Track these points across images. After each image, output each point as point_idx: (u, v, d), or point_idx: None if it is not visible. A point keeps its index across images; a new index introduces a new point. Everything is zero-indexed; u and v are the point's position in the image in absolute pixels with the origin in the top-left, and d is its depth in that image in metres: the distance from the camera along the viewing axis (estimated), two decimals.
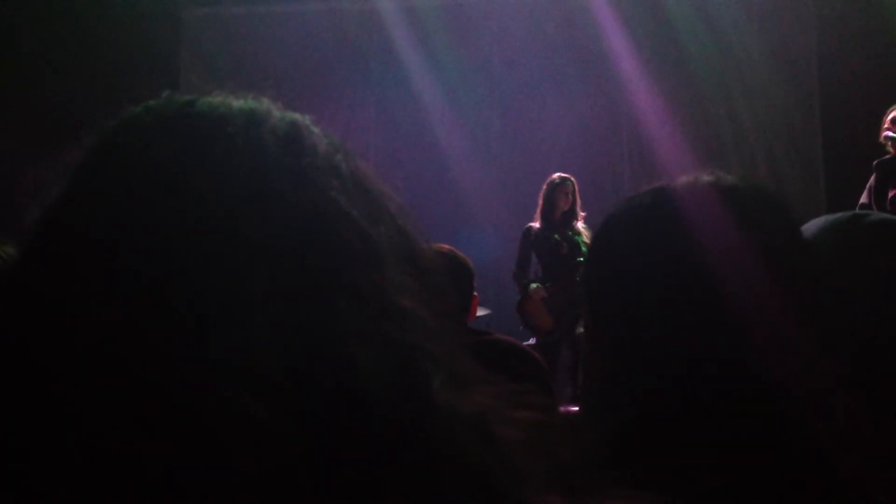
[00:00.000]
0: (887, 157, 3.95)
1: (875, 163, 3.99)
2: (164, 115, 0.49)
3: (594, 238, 0.83)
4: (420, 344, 0.44)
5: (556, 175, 5.05)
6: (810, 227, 0.95)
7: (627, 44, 6.36)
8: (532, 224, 5.05)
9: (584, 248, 4.84)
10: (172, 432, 0.39)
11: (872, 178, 3.98)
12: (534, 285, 4.91)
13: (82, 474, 0.38)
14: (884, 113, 3.97)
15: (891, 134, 3.88)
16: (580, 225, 4.96)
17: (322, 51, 6.61)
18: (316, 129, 0.50)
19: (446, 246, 2.34)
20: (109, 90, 5.89)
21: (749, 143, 6.30)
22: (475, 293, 2.40)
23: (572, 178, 5.02)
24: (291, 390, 0.40)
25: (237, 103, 0.50)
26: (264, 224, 0.44)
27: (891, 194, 3.86)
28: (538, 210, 5.03)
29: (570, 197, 4.95)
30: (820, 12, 6.32)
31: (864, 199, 3.99)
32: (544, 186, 5.04)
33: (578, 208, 4.99)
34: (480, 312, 4.56)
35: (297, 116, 0.51)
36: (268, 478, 0.38)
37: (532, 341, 4.73)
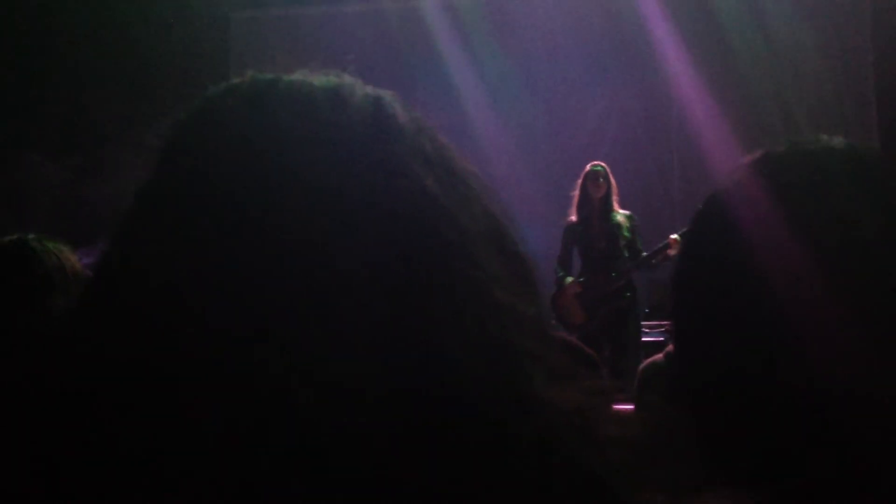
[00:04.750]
0: None
1: None
2: (250, 97, 0.47)
3: (687, 236, 0.81)
4: (519, 341, 0.42)
5: (589, 165, 4.99)
6: None
7: (673, 36, 6.26)
8: (571, 218, 5.00)
9: (622, 241, 4.79)
10: (275, 443, 0.38)
11: None
12: (568, 279, 4.87)
13: (183, 491, 0.37)
14: None
15: None
16: (620, 213, 4.89)
17: (364, 50, 6.66)
18: (399, 106, 0.48)
19: None
20: (161, 90, 6.03)
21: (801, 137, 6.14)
22: None
23: (604, 165, 4.94)
24: (391, 394, 0.39)
25: (322, 81, 0.47)
26: (359, 220, 0.42)
27: None
28: (574, 202, 4.98)
29: (603, 184, 4.87)
30: (875, 3, 6.13)
31: None
32: (580, 178, 4.99)
33: (615, 195, 4.91)
34: None
35: (380, 93, 0.48)
36: (372, 483, 0.38)
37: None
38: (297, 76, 0.48)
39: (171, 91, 6.07)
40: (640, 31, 6.31)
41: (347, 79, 0.48)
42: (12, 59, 6.26)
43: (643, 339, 5.01)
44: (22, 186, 5.98)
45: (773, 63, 6.23)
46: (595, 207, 4.88)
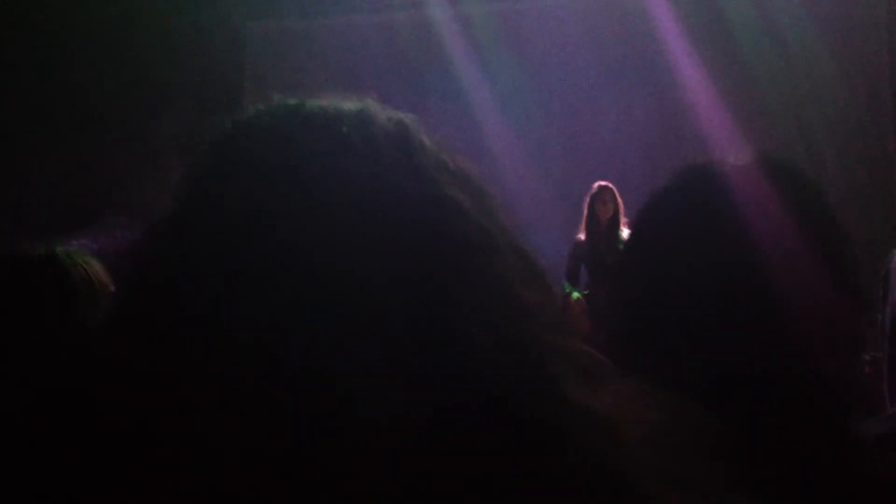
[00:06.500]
0: None
1: None
2: (278, 116, 0.49)
3: (636, 221, 0.83)
4: (549, 341, 0.44)
5: (596, 184, 5.14)
6: None
7: (686, 46, 6.24)
8: (579, 236, 5.13)
9: None
10: (314, 424, 0.39)
11: None
12: (575, 295, 4.94)
13: (227, 470, 0.38)
14: None
15: None
16: (626, 232, 4.96)
17: (377, 61, 6.69)
18: (420, 128, 0.51)
19: None
20: (179, 101, 6.08)
21: (818, 146, 6.10)
22: None
23: (611, 186, 5.08)
24: (422, 391, 0.40)
25: (346, 104, 0.50)
26: (388, 220, 0.44)
27: None
28: (583, 221, 5.12)
29: (611, 205, 5.01)
30: (890, 8, 6.09)
31: None
32: (587, 197, 5.13)
33: (622, 215, 5.01)
34: None
35: (402, 115, 0.51)
36: (402, 469, 0.39)
37: None
38: (324, 100, 0.51)
39: (189, 102, 6.13)
40: (653, 41, 6.30)
41: (371, 103, 0.51)
42: (25, 63, 6.33)
43: None
44: (27, 186, 6.05)
45: (788, 71, 6.20)
46: (602, 226, 5.01)
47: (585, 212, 5.12)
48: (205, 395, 0.40)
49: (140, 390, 0.41)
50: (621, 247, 4.93)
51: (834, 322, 0.68)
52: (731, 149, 0.86)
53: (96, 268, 1.62)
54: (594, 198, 5.09)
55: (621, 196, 5.12)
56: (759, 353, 0.66)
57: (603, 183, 5.13)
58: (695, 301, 0.70)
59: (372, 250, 0.43)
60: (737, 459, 0.55)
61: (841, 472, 0.63)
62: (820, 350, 0.67)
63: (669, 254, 0.74)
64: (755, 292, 0.68)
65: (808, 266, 0.69)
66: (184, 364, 0.41)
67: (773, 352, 0.66)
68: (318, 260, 0.42)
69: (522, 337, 0.43)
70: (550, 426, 0.41)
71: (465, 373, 0.41)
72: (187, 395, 0.40)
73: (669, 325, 0.71)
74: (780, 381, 0.66)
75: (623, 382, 0.46)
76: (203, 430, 0.39)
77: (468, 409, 0.40)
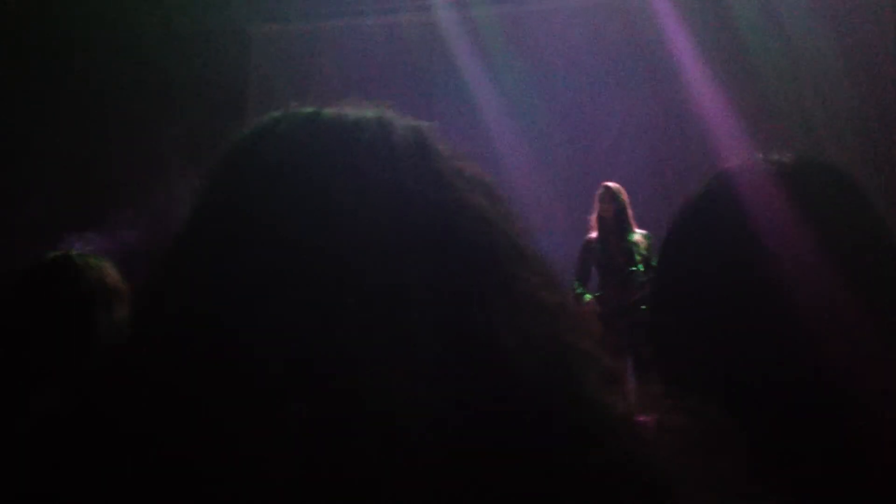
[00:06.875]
0: None
1: None
2: (296, 124, 0.49)
3: (665, 240, 0.83)
4: (569, 339, 0.44)
5: (601, 185, 5.14)
6: None
7: (692, 46, 6.24)
8: (590, 235, 5.12)
9: (637, 257, 4.85)
10: (348, 423, 0.39)
11: None
12: (587, 296, 4.93)
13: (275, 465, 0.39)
14: None
15: None
16: (638, 232, 4.94)
17: (383, 63, 6.70)
18: (435, 135, 0.52)
19: None
20: (182, 103, 6.09)
21: (824, 146, 6.09)
22: None
23: (612, 186, 5.06)
24: (449, 385, 0.40)
25: (366, 111, 0.51)
26: (410, 225, 0.44)
27: None
28: (593, 221, 5.12)
29: (610, 205, 4.98)
30: None
31: None
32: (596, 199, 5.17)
33: (629, 216, 5.00)
34: None
35: (418, 123, 0.52)
36: (428, 467, 0.39)
37: None
38: (343, 107, 0.51)
39: (194, 104, 6.14)
40: (658, 41, 6.30)
41: (388, 111, 0.52)
42: (32, 65, 6.36)
43: None
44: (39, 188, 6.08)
45: (794, 71, 6.18)
46: (609, 226, 4.99)
47: (595, 212, 5.14)
48: (225, 399, 0.40)
49: (160, 395, 0.41)
50: (631, 247, 4.92)
51: (873, 329, 0.67)
52: (734, 150, 0.85)
53: (111, 271, 1.63)
54: (597, 198, 5.12)
55: (629, 196, 5.12)
56: (787, 360, 0.66)
57: (604, 183, 5.14)
58: (721, 307, 0.70)
59: (395, 255, 0.43)
60: (758, 464, 0.55)
61: (866, 476, 0.63)
62: (858, 356, 0.66)
63: (697, 259, 0.74)
64: (783, 299, 0.67)
65: (840, 272, 0.68)
66: (205, 367, 0.41)
67: (801, 357, 0.66)
68: (340, 266, 0.42)
69: (546, 338, 0.43)
70: (576, 425, 0.41)
71: (491, 373, 0.41)
72: (208, 398, 0.40)
73: (695, 331, 0.71)
74: (808, 388, 0.65)
75: (647, 386, 0.47)
76: (227, 432, 0.39)
77: (494, 408, 0.40)
